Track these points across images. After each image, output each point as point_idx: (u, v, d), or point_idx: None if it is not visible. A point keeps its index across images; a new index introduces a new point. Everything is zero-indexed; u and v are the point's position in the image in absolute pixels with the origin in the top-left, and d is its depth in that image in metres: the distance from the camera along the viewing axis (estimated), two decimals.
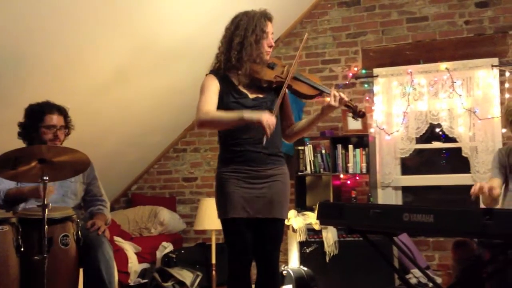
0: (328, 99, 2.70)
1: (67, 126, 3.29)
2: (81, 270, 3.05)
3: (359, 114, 2.74)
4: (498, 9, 4.87)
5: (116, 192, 5.85)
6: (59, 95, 3.44)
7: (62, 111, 3.27)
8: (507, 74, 4.72)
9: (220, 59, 2.78)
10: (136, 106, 4.77)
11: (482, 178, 4.69)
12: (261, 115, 2.58)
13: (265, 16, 2.76)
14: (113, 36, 3.84)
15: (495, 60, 4.79)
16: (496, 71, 4.76)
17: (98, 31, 3.69)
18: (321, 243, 4.52)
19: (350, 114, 2.77)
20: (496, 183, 3.18)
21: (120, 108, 4.64)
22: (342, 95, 2.68)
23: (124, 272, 4.49)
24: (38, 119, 3.19)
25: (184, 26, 4.27)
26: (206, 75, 2.81)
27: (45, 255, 2.70)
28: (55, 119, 3.21)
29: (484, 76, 4.77)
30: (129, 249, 4.76)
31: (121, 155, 5.28)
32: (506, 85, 4.71)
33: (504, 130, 4.62)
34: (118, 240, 4.75)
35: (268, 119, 2.57)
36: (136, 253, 4.80)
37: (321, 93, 2.76)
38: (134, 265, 4.68)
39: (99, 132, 4.67)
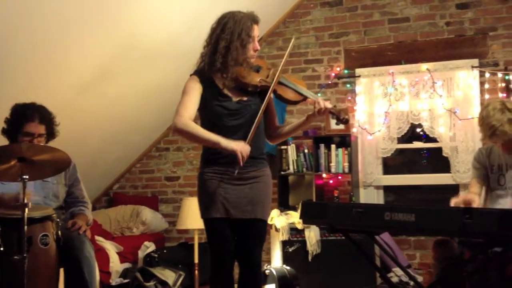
0: (313, 106, 2.71)
1: (49, 133, 3.19)
2: (61, 270, 3.02)
3: (343, 121, 2.74)
4: (479, 10, 4.93)
5: (97, 191, 5.80)
6: (43, 93, 3.42)
7: (44, 119, 3.14)
8: (487, 75, 4.79)
9: (205, 59, 2.76)
10: (120, 104, 4.75)
11: (462, 177, 4.75)
12: (236, 145, 2.58)
13: (252, 20, 2.73)
14: (98, 34, 3.81)
15: (475, 61, 4.85)
16: (476, 72, 4.82)
17: (84, 30, 3.66)
18: (303, 242, 4.54)
19: (334, 120, 2.77)
20: (475, 187, 3.23)
21: (104, 106, 4.61)
22: (326, 103, 2.69)
23: (105, 272, 4.45)
24: (18, 123, 3.11)
25: (169, 25, 4.26)
26: (190, 75, 2.79)
27: (24, 255, 2.67)
28: (34, 128, 3.10)
29: (465, 77, 4.83)
30: (111, 248, 4.72)
31: (104, 153, 5.25)
32: (486, 86, 4.77)
33: None
34: (100, 239, 4.71)
35: (242, 149, 2.57)
36: (117, 253, 4.77)
37: (305, 98, 2.77)
38: (116, 265, 4.64)
39: (83, 130, 4.63)
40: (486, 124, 3.05)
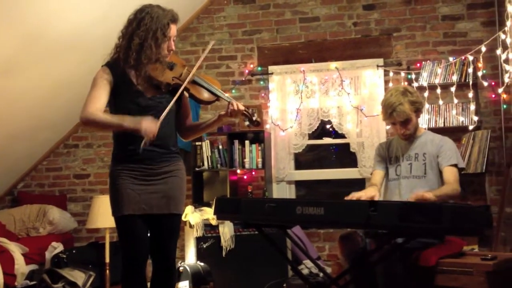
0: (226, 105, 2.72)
1: None
2: None
3: (254, 123, 2.83)
4: (384, 12, 5.17)
5: (0, 190, 5.49)
6: None
7: None
8: (391, 74, 5.04)
9: (120, 53, 2.70)
10: (24, 98, 4.52)
11: (368, 172, 4.96)
12: (140, 123, 2.55)
13: (170, 19, 2.69)
14: (1, 24, 3.59)
15: (380, 61, 5.09)
16: (381, 71, 5.06)
17: None
18: (218, 238, 4.56)
19: (246, 122, 2.84)
20: (375, 179, 3.40)
21: (7, 101, 4.37)
22: (239, 104, 2.73)
23: (10, 275, 4.28)
24: None
25: (77, 15, 4.10)
26: (102, 66, 2.72)
27: None
28: None
29: (370, 75, 5.06)
30: (16, 250, 4.53)
31: (7, 150, 4.97)
32: (390, 84, 5.01)
33: (388, 127, 4.92)
34: (3, 241, 4.51)
35: (147, 127, 2.55)
36: (23, 254, 4.58)
37: (218, 98, 2.80)
38: (21, 267, 4.46)
39: None
40: (387, 104, 3.23)
